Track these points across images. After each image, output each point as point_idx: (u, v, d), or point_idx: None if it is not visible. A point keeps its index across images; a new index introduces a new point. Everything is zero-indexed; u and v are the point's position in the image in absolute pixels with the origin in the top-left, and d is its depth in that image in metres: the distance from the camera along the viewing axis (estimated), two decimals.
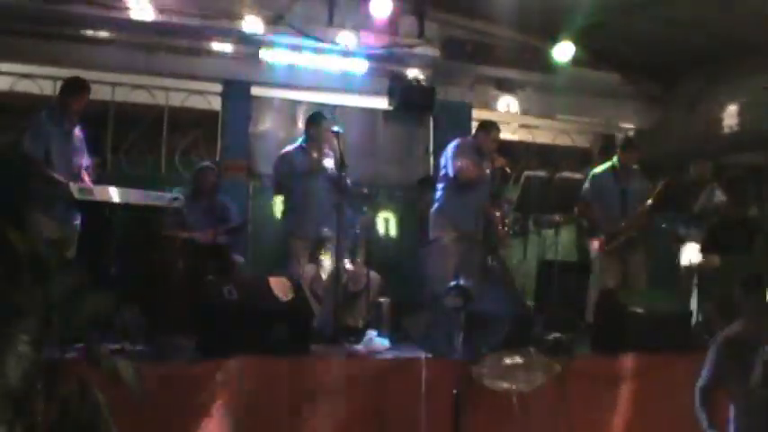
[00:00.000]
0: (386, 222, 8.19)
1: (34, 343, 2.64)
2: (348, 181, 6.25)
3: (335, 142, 6.07)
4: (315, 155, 6.55)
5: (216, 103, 8.37)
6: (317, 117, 6.79)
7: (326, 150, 6.61)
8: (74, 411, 2.84)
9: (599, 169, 7.03)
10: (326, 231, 6.29)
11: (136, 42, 7.76)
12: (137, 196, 5.33)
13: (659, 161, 8.09)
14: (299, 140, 6.80)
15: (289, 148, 6.79)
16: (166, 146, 8.21)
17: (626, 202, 6.84)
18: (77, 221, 5.70)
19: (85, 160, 5.97)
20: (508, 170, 6.59)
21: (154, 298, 5.04)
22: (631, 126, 9.72)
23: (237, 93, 8.28)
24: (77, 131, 5.93)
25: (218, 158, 8.09)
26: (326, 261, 6.41)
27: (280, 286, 5.33)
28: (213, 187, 6.75)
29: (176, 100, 8.28)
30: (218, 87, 8.32)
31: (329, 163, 6.49)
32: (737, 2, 7.26)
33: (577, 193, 6.90)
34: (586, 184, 6.96)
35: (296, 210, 6.45)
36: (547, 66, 8.53)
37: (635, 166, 7.00)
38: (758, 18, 7.23)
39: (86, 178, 5.85)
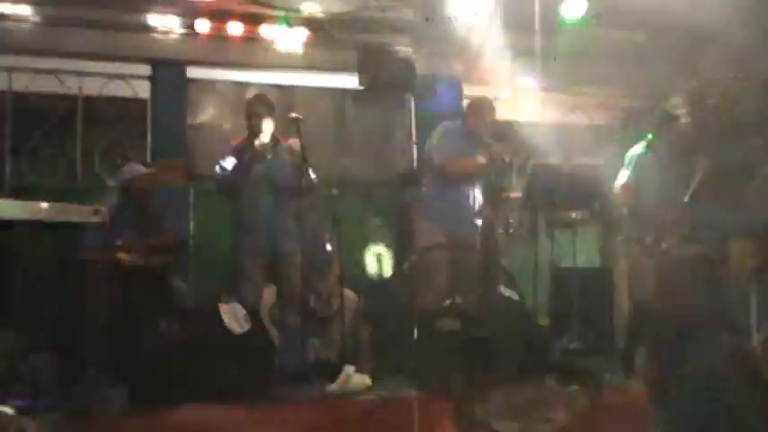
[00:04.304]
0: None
1: None
2: (312, 179, 6.21)
3: (293, 132, 6.03)
4: (261, 150, 6.38)
5: (143, 90, 8.34)
6: (252, 101, 6.61)
7: (280, 143, 6.51)
8: None
9: (636, 150, 6.87)
10: (287, 245, 6.25)
11: (40, 15, 7.69)
12: (46, 211, 5.27)
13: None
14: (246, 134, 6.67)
15: (232, 143, 6.67)
16: (82, 146, 8.15)
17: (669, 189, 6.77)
18: None
19: None
20: (508, 158, 6.58)
21: (72, 338, 5.01)
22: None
23: (170, 76, 8.27)
24: None
25: (148, 159, 8.03)
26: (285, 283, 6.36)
27: (232, 315, 5.34)
28: (145, 195, 6.70)
29: (93, 87, 8.23)
30: (146, 70, 8.29)
31: (283, 158, 6.39)
32: None
33: (597, 182, 6.87)
34: (626, 169, 6.85)
35: (246, 221, 6.36)
36: (554, 26, 8.52)
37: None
38: None
39: None
